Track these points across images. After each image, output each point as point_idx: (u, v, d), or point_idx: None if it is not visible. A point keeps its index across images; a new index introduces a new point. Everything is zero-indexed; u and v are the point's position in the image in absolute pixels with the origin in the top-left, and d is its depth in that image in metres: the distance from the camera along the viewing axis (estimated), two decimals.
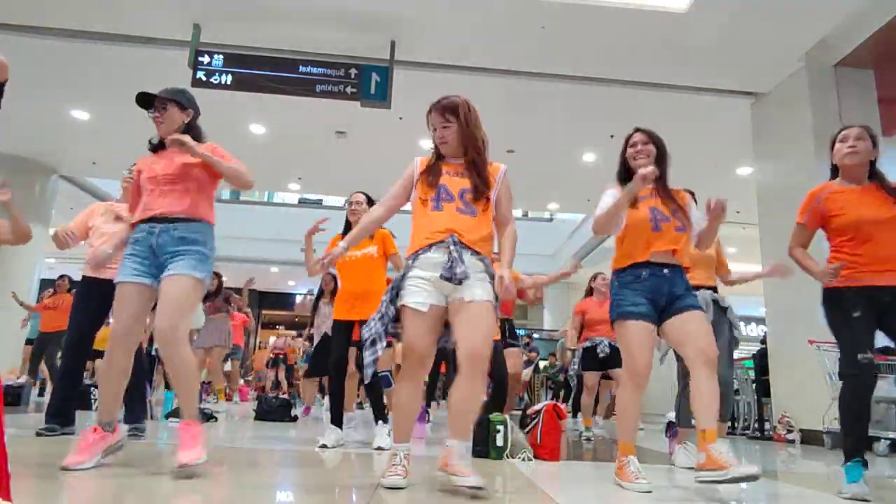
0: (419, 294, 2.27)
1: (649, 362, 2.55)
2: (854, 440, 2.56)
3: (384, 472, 2.24)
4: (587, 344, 5.36)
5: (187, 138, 2.45)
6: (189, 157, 2.50)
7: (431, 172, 2.45)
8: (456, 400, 2.24)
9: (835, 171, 2.86)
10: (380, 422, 3.71)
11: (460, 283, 2.23)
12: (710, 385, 2.41)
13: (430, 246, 2.31)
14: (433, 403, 8.21)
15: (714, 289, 3.67)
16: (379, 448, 3.50)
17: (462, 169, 2.45)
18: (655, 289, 2.57)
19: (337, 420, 3.67)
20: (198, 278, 2.43)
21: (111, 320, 2.51)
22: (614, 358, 5.04)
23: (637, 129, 2.82)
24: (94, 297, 3.57)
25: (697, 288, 3.50)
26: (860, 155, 2.73)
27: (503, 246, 2.53)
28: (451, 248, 2.27)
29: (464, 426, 2.27)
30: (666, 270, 2.60)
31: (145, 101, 2.62)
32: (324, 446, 3.48)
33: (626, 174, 2.77)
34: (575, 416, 7.98)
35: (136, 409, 3.68)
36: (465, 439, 2.26)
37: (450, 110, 2.44)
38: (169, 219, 2.47)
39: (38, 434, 3.34)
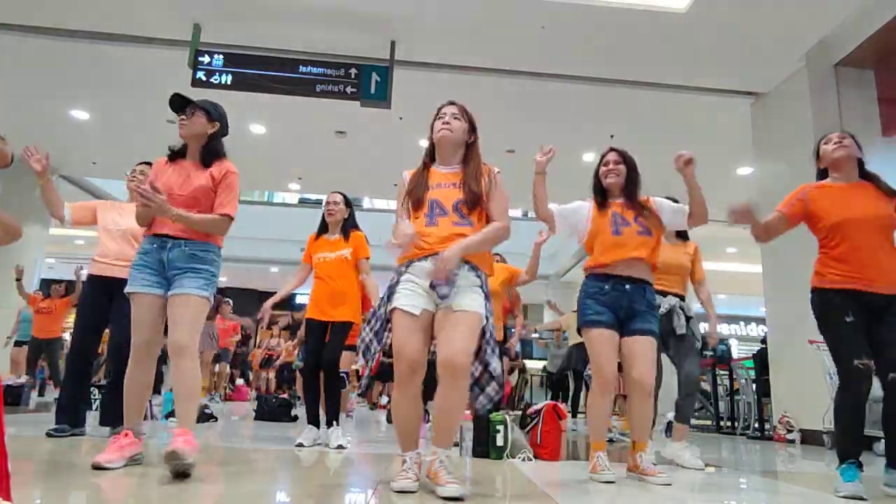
0: (412, 297, 2.22)
1: (615, 369, 2.76)
2: (849, 444, 2.59)
3: (393, 476, 2.20)
4: None
5: (152, 197, 2.36)
6: (204, 181, 2.58)
7: (418, 188, 2.38)
8: (437, 409, 2.20)
9: (822, 176, 2.92)
10: (334, 422, 3.71)
11: (444, 298, 2.18)
12: (643, 407, 2.79)
13: (426, 256, 2.25)
14: (430, 402, 8.23)
15: (682, 297, 3.65)
16: (339, 447, 3.54)
17: (456, 179, 2.39)
18: (615, 303, 2.78)
19: (314, 419, 3.73)
20: (205, 297, 2.52)
21: (131, 335, 2.52)
22: None
23: (611, 149, 3.04)
24: (99, 295, 3.59)
25: (665, 293, 3.51)
26: (848, 149, 2.80)
27: (476, 233, 2.29)
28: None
29: (445, 435, 2.22)
30: (628, 286, 2.79)
31: (178, 103, 2.65)
32: (300, 445, 3.55)
33: (599, 189, 3.02)
34: (575, 416, 7.95)
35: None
36: (446, 446, 2.20)
37: (466, 111, 2.49)
38: (181, 237, 2.54)
39: (49, 435, 3.34)
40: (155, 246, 2.55)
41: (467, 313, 2.18)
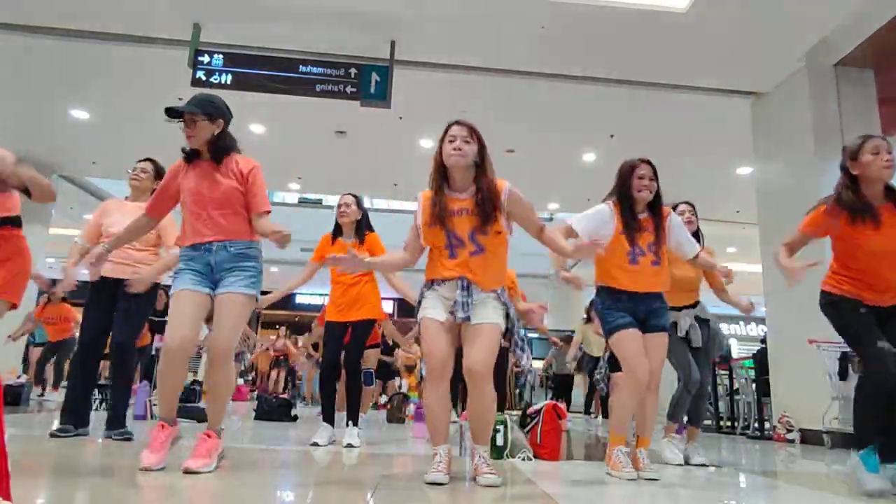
0: (437, 309, 2.48)
1: (647, 369, 2.75)
2: (870, 427, 2.49)
3: (427, 471, 2.38)
4: None
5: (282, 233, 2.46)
6: (234, 182, 2.58)
7: (438, 217, 2.45)
8: (470, 412, 2.52)
9: (852, 179, 2.68)
10: (350, 423, 3.75)
11: (467, 320, 2.42)
12: (652, 402, 2.91)
13: (445, 281, 2.48)
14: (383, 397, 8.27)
15: (695, 304, 3.61)
16: (349, 445, 3.57)
17: (469, 205, 2.45)
18: (634, 308, 2.85)
19: (329, 418, 3.77)
20: (251, 296, 2.55)
21: (166, 334, 2.47)
22: None
23: (645, 161, 2.90)
24: (104, 296, 3.56)
25: (679, 309, 3.49)
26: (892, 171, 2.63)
27: (555, 241, 2.57)
28: (460, 291, 2.44)
29: (481, 433, 2.52)
30: (641, 294, 2.87)
31: (174, 113, 2.59)
32: (315, 444, 3.57)
33: (627, 198, 2.89)
34: (588, 412, 7.93)
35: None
36: (483, 443, 2.51)
37: (474, 130, 2.49)
38: (223, 239, 2.55)
39: (52, 435, 3.32)
40: (200, 251, 2.54)
41: (486, 325, 2.43)
